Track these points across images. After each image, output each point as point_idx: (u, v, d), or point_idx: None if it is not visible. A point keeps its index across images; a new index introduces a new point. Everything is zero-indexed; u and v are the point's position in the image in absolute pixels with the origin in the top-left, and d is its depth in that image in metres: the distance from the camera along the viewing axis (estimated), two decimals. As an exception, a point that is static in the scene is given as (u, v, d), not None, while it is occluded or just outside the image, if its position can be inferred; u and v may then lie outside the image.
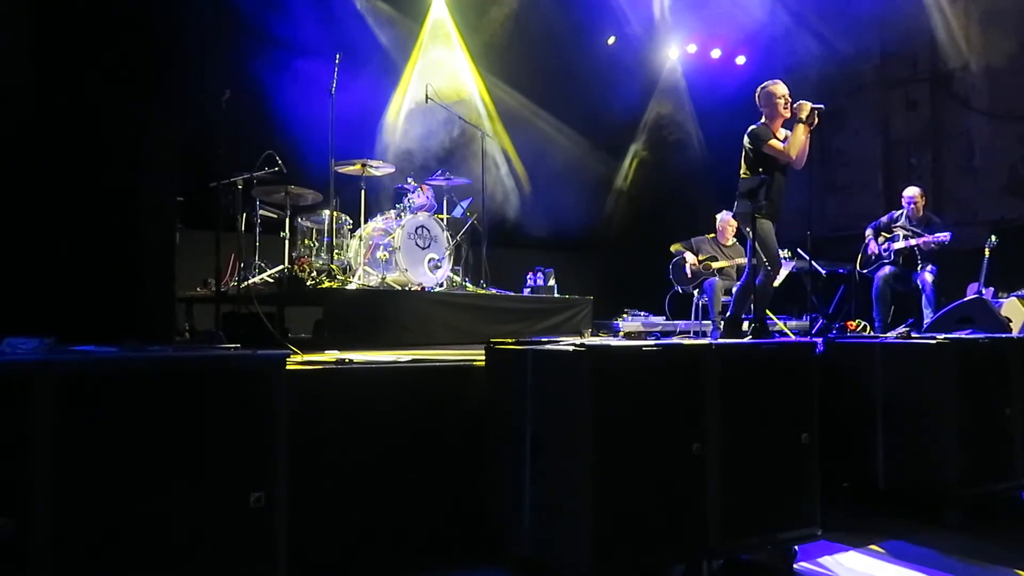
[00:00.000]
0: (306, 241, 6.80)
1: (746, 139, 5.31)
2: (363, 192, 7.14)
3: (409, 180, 7.48)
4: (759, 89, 5.41)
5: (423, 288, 6.56)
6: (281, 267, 6.50)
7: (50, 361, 2.08)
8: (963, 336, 4.36)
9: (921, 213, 7.51)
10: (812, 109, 5.17)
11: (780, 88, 5.31)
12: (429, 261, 6.78)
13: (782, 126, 5.34)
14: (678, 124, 11.31)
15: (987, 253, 7.50)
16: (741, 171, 5.35)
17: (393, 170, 7.75)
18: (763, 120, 5.34)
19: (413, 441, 3.43)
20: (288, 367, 2.46)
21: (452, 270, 7.19)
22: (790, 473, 3.29)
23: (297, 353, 4.06)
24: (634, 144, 11.32)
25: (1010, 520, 4.09)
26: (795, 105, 5.21)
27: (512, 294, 7.62)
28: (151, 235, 3.41)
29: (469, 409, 3.52)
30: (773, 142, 5.20)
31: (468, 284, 7.45)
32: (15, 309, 2.92)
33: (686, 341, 3.60)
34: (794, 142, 5.16)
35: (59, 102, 3.19)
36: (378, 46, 9.18)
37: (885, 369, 4.13)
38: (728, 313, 5.68)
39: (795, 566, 3.30)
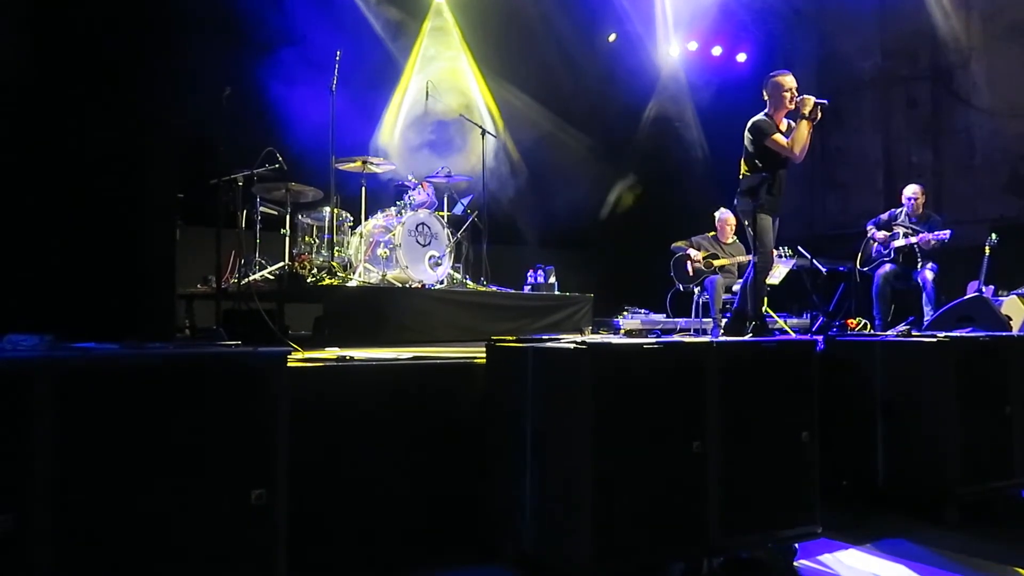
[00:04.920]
0: (307, 238, 6.80)
1: (748, 132, 5.28)
2: (364, 189, 7.14)
3: (410, 177, 7.48)
4: (767, 78, 5.38)
5: (424, 285, 6.56)
6: (281, 264, 6.49)
7: (51, 358, 2.08)
8: (963, 334, 4.36)
9: (921, 211, 7.51)
10: (816, 104, 5.15)
11: (788, 80, 5.27)
12: (430, 258, 6.78)
13: (785, 117, 5.32)
14: (678, 121, 11.29)
15: (987, 251, 7.49)
16: (742, 165, 5.34)
17: (394, 167, 7.75)
18: (767, 111, 5.31)
19: (413, 438, 3.43)
20: (288, 364, 2.46)
21: (453, 267, 7.19)
22: (790, 471, 3.29)
23: (297, 350, 4.06)
24: (634, 141, 11.31)
25: (1010, 519, 4.09)
26: (798, 100, 5.19)
27: (512, 291, 7.61)
28: (151, 232, 3.41)
29: (469, 406, 3.52)
30: (777, 137, 5.17)
31: (468, 281, 7.44)
32: (15, 306, 2.93)
33: (687, 339, 3.60)
34: (797, 138, 5.14)
35: (59, 99, 3.19)
36: (379, 43, 9.17)
37: (885, 367, 4.13)
38: (734, 306, 5.66)
39: (795, 564, 3.30)
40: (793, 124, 5.27)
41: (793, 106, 5.20)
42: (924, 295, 7.12)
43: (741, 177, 5.34)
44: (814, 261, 8.02)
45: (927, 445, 3.96)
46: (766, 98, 5.35)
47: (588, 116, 10.43)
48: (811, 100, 5.16)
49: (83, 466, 2.07)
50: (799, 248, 7.70)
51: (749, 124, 5.27)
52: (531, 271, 8.52)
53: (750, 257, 5.40)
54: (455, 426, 3.50)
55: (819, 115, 5.16)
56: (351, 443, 3.28)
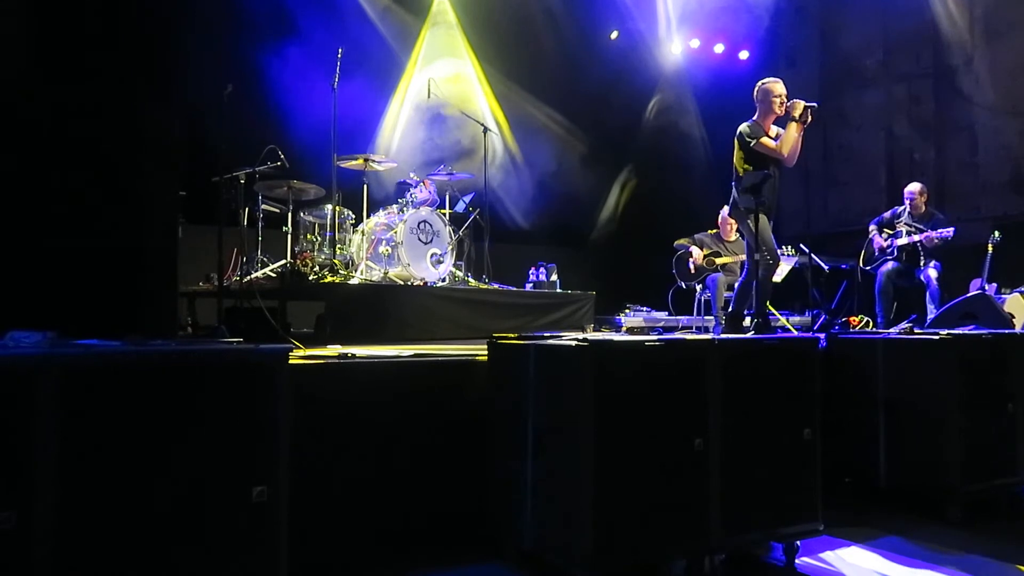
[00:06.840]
0: (308, 236, 6.81)
1: (736, 139, 5.34)
2: (365, 187, 7.14)
3: (411, 175, 7.49)
4: (758, 85, 5.44)
5: (425, 283, 6.56)
6: (283, 262, 6.50)
7: (53, 354, 2.09)
8: (966, 332, 4.35)
9: (923, 209, 7.50)
10: (805, 107, 5.22)
11: (778, 87, 5.34)
12: (431, 256, 6.78)
13: (774, 123, 5.38)
14: (681, 119, 11.27)
15: (990, 249, 7.49)
16: (735, 169, 5.38)
17: (395, 165, 7.76)
18: (756, 116, 5.37)
19: (414, 436, 3.43)
20: (290, 361, 2.46)
21: (454, 265, 7.19)
22: (792, 468, 3.29)
23: (299, 347, 4.06)
24: (637, 139, 11.30)
25: (1012, 516, 4.09)
26: (788, 103, 5.26)
27: (514, 289, 7.61)
28: (153, 229, 3.41)
29: (471, 404, 3.52)
30: (765, 140, 5.24)
31: (470, 279, 7.45)
32: (18, 303, 2.93)
33: (689, 336, 3.60)
34: (786, 140, 5.21)
35: (61, 96, 3.19)
36: (381, 40, 9.16)
37: (887, 365, 4.13)
38: (730, 308, 5.69)
39: (797, 561, 3.30)
40: (782, 130, 5.33)
41: (783, 111, 5.26)
42: (928, 293, 7.11)
43: (736, 178, 5.38)
44: (816, 258, 8.02)
45: (929, 442, 3.96)
46: (756, 104, 5.40)
47: (590, 113, 10.41)
48: (801, 104, 5.24)
49: (85, 463, 2.07)
50: (801, 246, 7.70)
51: (739, 128, 5.33)
52: (533, 269, 8.52)
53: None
54: (456, 423, 3.50)
55: (809, 118, 5.25)
56: (352, 440, 3.28)
